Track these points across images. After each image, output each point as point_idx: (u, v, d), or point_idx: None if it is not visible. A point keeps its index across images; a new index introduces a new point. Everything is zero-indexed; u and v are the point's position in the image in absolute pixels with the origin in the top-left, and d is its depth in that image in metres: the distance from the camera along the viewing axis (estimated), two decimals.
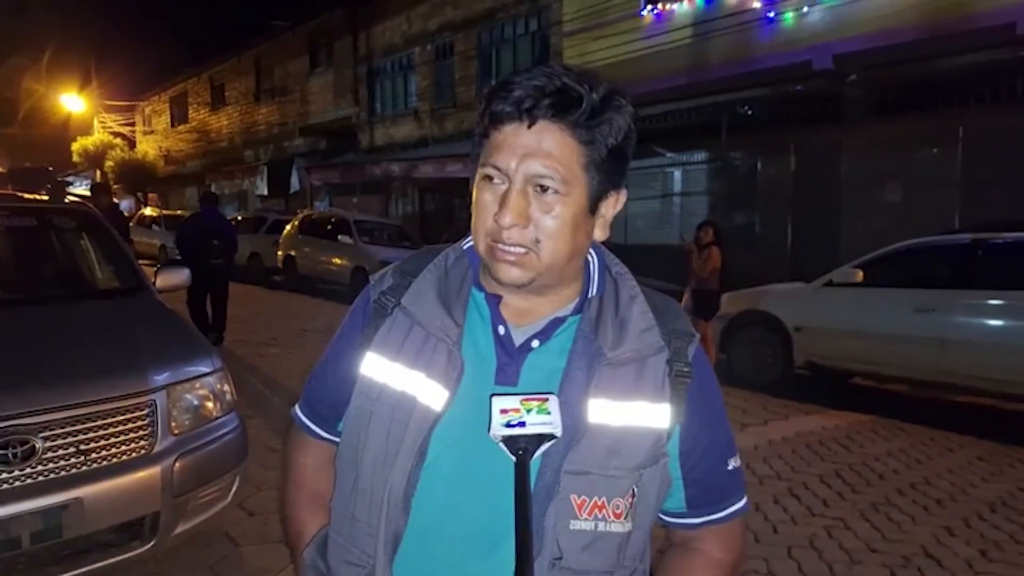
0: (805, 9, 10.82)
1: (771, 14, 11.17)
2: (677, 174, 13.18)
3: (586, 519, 0.86)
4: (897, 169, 10.03)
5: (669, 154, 12.65)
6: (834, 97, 10.38)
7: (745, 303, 7.00)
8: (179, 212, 21.00)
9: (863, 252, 6.49)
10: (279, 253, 14.19)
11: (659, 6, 12.72)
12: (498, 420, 0.80)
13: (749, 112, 11.42)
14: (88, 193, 9.58)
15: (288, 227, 14.36)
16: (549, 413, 0.81)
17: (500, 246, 0.86)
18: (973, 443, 5.13)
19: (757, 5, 11.31)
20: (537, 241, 0.86)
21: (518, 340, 0.92)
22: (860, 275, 6.15)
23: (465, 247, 1.00)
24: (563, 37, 14.65)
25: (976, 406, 6.21)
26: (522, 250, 0.86)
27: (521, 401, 0.82)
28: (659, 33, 12.48)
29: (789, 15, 11.01)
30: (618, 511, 0.88)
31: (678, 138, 12.01)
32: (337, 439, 1.03)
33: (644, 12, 12.96)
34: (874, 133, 10.11)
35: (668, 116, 11.58)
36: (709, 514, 0.98)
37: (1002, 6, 8.85)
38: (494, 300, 0.93)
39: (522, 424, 0.80)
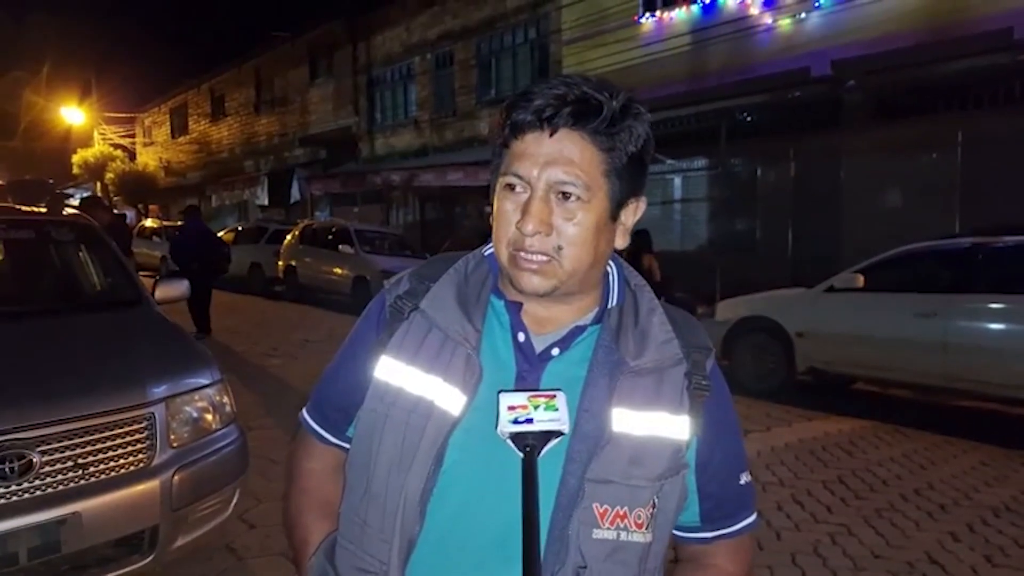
0: (803, 15, 10.85)
1: (769, 20, 11.20)
2: (678, 181, 13.20)
3: (608, 528, 0.86)
4: (897, 174, 10.04)
5: (669, 161, 12.66)
6: (833, 103, 10.40)
7: (746, 309, 6.99)
8: (180, 223, 21.03)
9: (864, 257, 6.48)
10: (280, 263, 14.19)
11: (658, 14, 12.77)
12: (505, 417, 0.80)
13: (748, 118, 11.45)
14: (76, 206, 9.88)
15: (289, 237, 14.37)
16: (557, 410, 0.81)
17: (522, 254, 0.87)
18: (976, 448, 5.10)
19: (755, 12, 11.35)
20: (559, 248, 0.86)
21: (538, 348, 0.92)
22: (861, 280, 6.14)
23: (485, 253, 1.00)
24: (562, 46, 14.70)
25: (979, 410, 6.19)
26: (544, 258, 0.86)
27: (529, 398, 0.82)
28: (658, 41, 12.53)
29: (787, 21, 11.04)
30: (639, 521, 0.88)
31: (678, 145, 12.02)
32: (346, 445, 1.02)
33: (642, 20, 13.01)
34: (873, 138, 10.12)
35: (668, 123, 11.61)
36: (722, 528, 0.98)
37: (999, 11, 8.87)
38: (515, 307, 0.93)
39: (529, 421, 0.80)
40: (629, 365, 0.89)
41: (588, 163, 0.86)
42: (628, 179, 0.89)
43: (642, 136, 0.89)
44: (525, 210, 0.86)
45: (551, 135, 0.85)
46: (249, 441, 2.98)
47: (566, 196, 0.86)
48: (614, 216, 0.91)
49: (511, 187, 0.88)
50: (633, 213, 0.94)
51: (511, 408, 0.81)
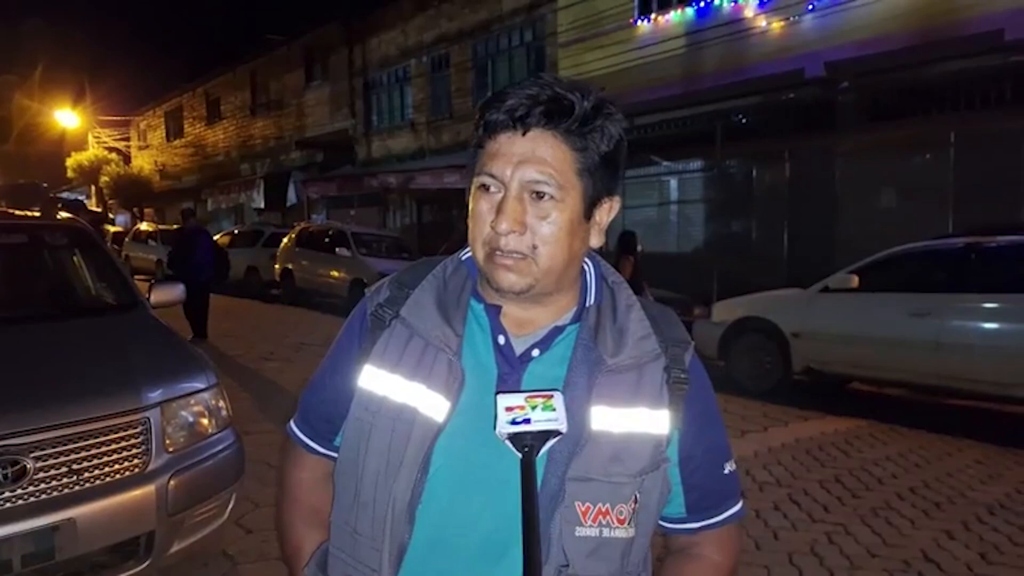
0: (796, 17, 10.89)
1: (763, 23, 11.24)
2: (673, 182, 13.22)
3: (591, 526, 0.87)
4: (891, 174, 10.07)
5: (665, 163, 12.70)
6: (827, 104, 10.43)
7: (742, 310, 7.01)
8: (175, 227, 20.99)
9: (858, 257, 6.50)
10: (276, 266, 14.15)
11: (653, 16, 12.80)
12: (503, 418, 0.80)
13: (743, 120, 11.47)
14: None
15: (285, 240, 14.33)
16: (554, 410, 0.81)
17: (498, 253, 0.87)
18: (971, 446, 5.12)
19: (750, 14, 11.38)
20: (534, 247, 0.87)
21: (518, 350, 0.92)
22: (856, 280, 6.17)
23: (463, 257, 1.00)
24: (558, 48, 14.70)
25: (973, 409, 6.22)
26: (520, 255, 0.87)
27: (526, 398, 0.82)
28: (653, 43, 12.55)
29: (781, 23, 11.07)
30: (621, 517, 0.88)
31: (674, 147, 12.05)
32: (333, 454, 1.03)
33: (638, 22, 13.04)
34: (867, 139, 10.16)
35: (663, 125, 11.62)
36: (708, 518, 0.99)
37: (989, 13, 8.91)
38: (494, 310, 0.94)
39: (527, 421, 0.80)
40: (607, 363, 0.90)
41: (561, 162, 0.86)
42: (601, 178, 0.90)
43: (614, 136, 0.89)
44: (499, 209, 0.86)
45: (524, 135, 0.86)
46: (245, 445, 2.97)
47: (540, 195, 0.86)
48: (588, 215, 0.91)
49: (485, 187, 0.88)
50: (607, 212, 0.94)
51: (509, 409, 0.81)
